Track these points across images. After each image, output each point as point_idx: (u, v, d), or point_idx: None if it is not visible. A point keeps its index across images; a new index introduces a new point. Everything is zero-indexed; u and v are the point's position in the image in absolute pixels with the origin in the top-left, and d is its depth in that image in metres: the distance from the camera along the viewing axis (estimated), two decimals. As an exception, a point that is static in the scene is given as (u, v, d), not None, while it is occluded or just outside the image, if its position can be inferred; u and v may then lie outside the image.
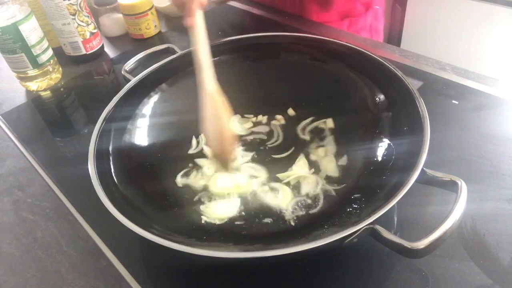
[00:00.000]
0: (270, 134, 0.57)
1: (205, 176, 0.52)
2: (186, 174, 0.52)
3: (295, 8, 0.88)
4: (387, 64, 0.51)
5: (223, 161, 0.49)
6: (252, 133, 0.58)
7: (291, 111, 0.60)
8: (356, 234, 0.34)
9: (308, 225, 0.45)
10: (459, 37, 1.43)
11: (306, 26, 0.84)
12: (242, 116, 0.60)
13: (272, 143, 0.56)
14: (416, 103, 0.45)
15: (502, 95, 0.60)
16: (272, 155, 0.54)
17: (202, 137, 0.57)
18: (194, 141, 0.57)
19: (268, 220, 0.46)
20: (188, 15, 0.48)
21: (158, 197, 0.48)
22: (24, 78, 0.73)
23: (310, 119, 0.58)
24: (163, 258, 0.44)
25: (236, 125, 0.58)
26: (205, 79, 0.49)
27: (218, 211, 0.47)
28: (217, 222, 0.46)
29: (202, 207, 0.48)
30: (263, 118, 0.60)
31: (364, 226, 0.34)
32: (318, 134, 0.56)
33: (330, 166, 0.51)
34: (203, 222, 0.46)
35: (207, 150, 0.55)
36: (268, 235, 0.44)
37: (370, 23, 0.89)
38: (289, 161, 0.52)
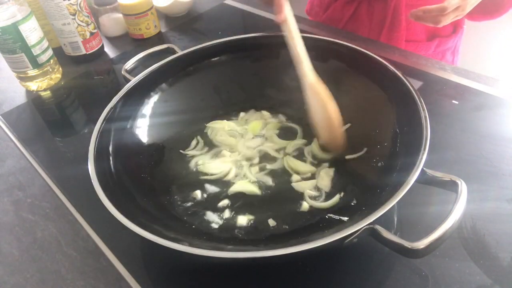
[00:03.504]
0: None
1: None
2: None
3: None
4: (387, 64, 0.51)
5: (334, 147, 0.51)
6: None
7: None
8: (356, 234, 0.34)
9: (308, 225, 0.45)
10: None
11: (306, 27, 0.84)
12: (241, 117, 0.60)
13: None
14: (416, 103, 0.45)
15: (502, 95, 0.60)
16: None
17: (199, 138, 0.57)
18: (194, 142, 0.57)
19: (268, 220, 0.46)
20: (278, 11, 0.49)
21: (158, 197, 0.48)
22: (24, 78, 0.73)
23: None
24: (163, 258, 0.44)
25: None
26: (305, 71, 0.49)
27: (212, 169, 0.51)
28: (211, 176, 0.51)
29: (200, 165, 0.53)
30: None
31: (364, 226, 0.34)
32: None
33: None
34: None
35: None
36: (268, 235, 0.44)
37: (456, 43, 0.85)
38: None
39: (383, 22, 0.80)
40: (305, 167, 0.51)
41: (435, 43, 0.81)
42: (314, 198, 0.47)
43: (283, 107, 0.60)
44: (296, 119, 0.59)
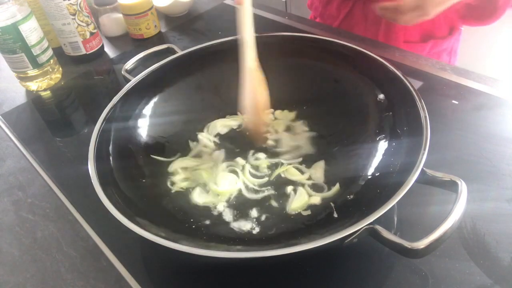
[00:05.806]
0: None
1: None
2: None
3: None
4: (387, 64, 0.51)
5: (256, 134, 0.53)
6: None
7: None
8: (356, 234, 0.34)
9: (308, 225, 0.45)
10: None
11: (306, 27, 0.84)
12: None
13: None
14: (416, 103, 0.45)
15: (502, 95, 0.60)
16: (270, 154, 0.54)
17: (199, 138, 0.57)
18: (191, 144, 0.57)
19: (268, 220, 0.46)
20: None
21: (158, 197, 0.48)
22: (24, 78, 0.73)
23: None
24: (163, 258, 0.44)
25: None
26: (247, 57, 0.51)
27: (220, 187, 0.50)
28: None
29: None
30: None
31: (364, 226, 0.34)
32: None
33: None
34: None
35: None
36: (268, 235, 0.44)
37: (452, 45, 0.85)
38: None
39: (378, 23, 0.80)
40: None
41: (429, 45, 0.82)
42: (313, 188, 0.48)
43: (284, 106, 0.60)
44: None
